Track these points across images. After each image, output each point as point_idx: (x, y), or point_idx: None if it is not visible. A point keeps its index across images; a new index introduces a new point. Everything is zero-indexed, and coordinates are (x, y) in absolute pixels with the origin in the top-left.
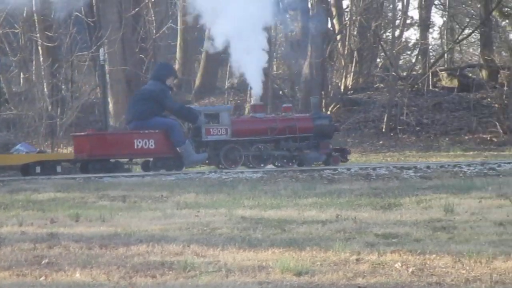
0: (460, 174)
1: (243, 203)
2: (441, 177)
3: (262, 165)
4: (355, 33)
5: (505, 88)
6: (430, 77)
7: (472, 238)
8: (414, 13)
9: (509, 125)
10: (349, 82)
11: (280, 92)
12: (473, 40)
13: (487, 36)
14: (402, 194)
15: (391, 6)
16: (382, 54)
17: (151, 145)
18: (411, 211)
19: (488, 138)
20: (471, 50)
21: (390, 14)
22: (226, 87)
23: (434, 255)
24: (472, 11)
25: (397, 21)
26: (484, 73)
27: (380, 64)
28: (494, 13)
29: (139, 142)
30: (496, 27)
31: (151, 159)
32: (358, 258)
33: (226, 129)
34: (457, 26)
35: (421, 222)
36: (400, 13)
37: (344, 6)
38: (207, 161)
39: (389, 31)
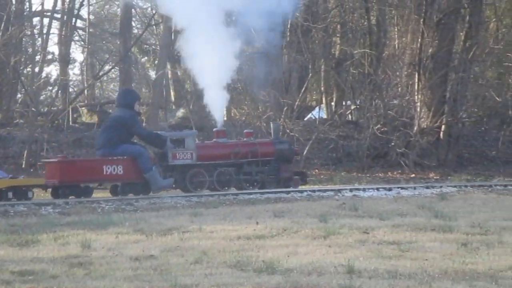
0: (99, 210)
1: None
2: (80, 213)
3: (226, 188)
4: None
5: (144, 124)
6: (70, 112)
7: (108, 273)
8: (55, 48)
9: None
10: None
11: None
12: (113, 76)
13: (126, 72)
14: (40, 230)
15: (30, 41)
16: (23, 89)
17: (120, 171)
18: (48, 247)
19: None
20: (112, 86)
21: (30, 50)
22: None
23: None
24: (112, 47)
25: (37, 57)
26: None
27: (20, 99)
28: (133, 49)
29: (108, 168)
30: (136, 63)
31: (119, 184)
32: None
33: (192, 153)
34: (97, 62)
35: (58, 258)
36: (40, 49)
37: None
38: (173, 186)
39: (29, 66)
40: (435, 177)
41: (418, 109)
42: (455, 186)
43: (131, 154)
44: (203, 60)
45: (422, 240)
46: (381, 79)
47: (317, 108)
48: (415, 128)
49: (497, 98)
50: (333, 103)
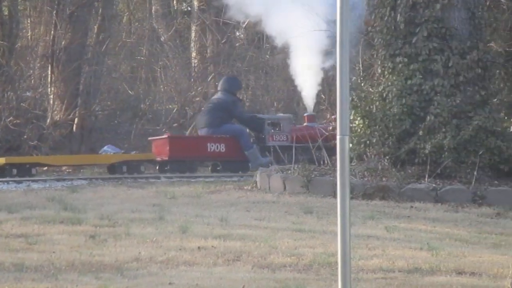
0: None
1: None
2: None
3: None
4: None
5: None
6: None
7: None
8: None
9: None
10: None
11: None
12: None
13: None
14: None
15: None
16: None
17: (222, 149)
18: None
19: None
20: None
21: None
22: None
23: None
24: None
25: None
26: None
27: None
28: None
29: (212, 145)
30: None
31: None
32: None
33: (287, 135)
34: None
35: None
36: None
37: None
38: (270, 165)
39: None
40: (68, 170)
41: (52, 102)
42: (86, 179)
43: (233, 133)
44: None
45: (50, 233)
46: (14, 70)
47: None
48: (48, 121)
49: (130, 92)
50: None
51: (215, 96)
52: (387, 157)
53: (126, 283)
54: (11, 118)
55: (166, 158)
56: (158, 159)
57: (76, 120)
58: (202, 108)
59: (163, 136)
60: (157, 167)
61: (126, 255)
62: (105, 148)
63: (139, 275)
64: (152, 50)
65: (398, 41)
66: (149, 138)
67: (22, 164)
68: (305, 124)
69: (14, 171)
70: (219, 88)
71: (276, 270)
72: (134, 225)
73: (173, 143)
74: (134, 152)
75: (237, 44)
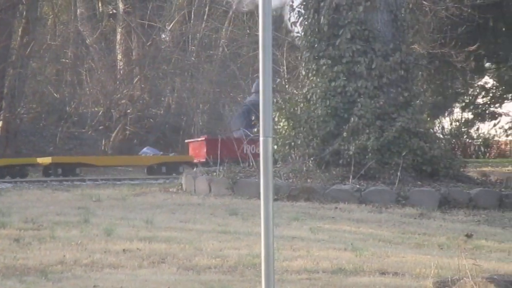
0: None
1: None
2: None
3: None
4: None
5: None
6: None
7: None
8: None
9: None
10: None
11: None
12: None
13: None
14: None
15: None
16: None
17: (258, 150)
18: None
19: None
20: None
21: None
22: None
23: None
24: None
25: None
26: None
27: None
28: None
29: (247, 146)
30: None
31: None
32: None
33: None
34: None
35: None
36: None
37: None
38: None
39: None
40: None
41: None
42: (10, 182)
43: None
44: None
45: None
46: None
47: None
48: None
49: (55, 94)
50: None
51: (249, 98)
52: (312, 158)
53: (51, 286)
54: None
55: (204, 160)
56: (195, 161)
57: (0, 123)
58: (235, 111)
59: (200, 138)
60: (194, 169)
61: (50, 258)
62: (145, 149)
63: (63, 278)
64: (77, 53)
65: (322, 43)
66: (186, 141)
67: (67, 164)
68: None
69: (59, 170)
70: (252, 90)
71: (201, 272)
72: (59, 228)
73: (210, 145)
74: (173, 154)
75: (162, 47)
